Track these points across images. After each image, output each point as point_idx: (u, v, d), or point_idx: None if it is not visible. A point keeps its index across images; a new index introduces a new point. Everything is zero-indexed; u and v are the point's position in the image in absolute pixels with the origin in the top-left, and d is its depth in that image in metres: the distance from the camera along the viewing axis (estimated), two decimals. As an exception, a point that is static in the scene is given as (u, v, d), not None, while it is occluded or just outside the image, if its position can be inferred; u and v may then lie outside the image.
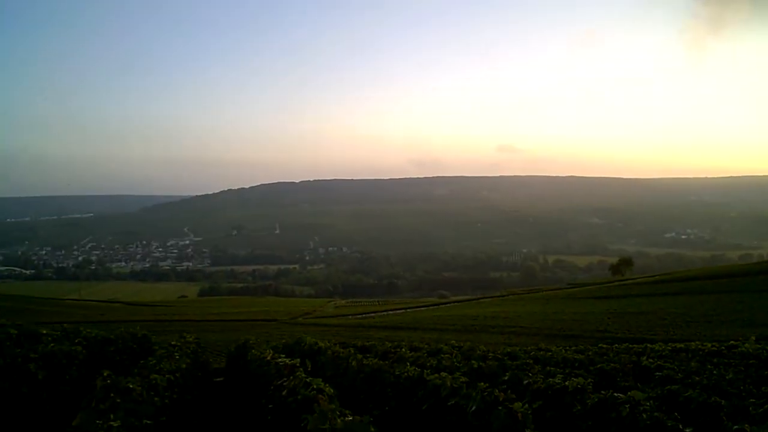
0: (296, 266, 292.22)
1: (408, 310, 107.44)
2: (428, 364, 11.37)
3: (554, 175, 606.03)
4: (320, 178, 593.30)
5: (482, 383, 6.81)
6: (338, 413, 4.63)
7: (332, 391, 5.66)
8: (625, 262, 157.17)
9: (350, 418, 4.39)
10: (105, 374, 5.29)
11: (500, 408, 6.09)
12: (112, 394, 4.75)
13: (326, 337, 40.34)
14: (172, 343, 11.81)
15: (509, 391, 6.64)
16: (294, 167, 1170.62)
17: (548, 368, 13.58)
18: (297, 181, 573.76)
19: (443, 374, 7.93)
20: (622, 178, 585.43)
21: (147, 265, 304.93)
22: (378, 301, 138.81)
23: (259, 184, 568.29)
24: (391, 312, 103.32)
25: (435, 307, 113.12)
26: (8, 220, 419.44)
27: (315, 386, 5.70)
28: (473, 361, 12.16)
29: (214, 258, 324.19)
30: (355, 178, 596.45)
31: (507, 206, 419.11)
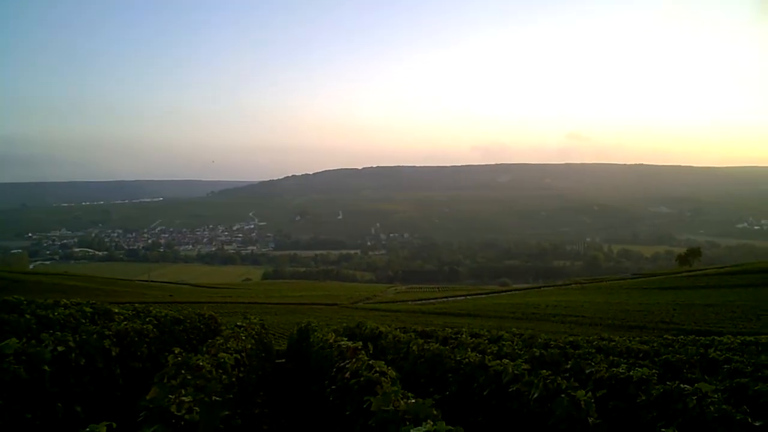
0: (358, 251, 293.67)
1: (468, 297, 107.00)
2: (489, 351, 11.33)
3: (622, 163, 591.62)
4: (383, 165, 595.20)
5: (545, 371, 6.75)
6: (401, 395, 4.68)
7: (394, 374, 5.71)
8: (694, 253, 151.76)
9: (413, 401, 4.43)
10: (176, 351, 5.49)
11: (563, 396, 6.03)
12: (183, 371, 4.93)
13: (386, 322, 40.65)
14: (238, 324, 12.10)
15: (572, 380, 6.56)
16: (358, 154, 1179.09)
17: (611, 358, 13.34)
18: (360, 168, 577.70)
19: (505, 361, 7.89)
20: (692, 167, 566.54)
21: (213, 249, 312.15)
22: (438, 288, 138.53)
23: (323, 170, 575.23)
24: (451, 299, 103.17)
25: (496, 294, 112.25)
26: (84, 203, 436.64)
27: (377, 369, 5.76)
28: (534, 349, 12.05)
29: (277, 242, 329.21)
30: (418, 165, 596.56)
31: (572, 194, 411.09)
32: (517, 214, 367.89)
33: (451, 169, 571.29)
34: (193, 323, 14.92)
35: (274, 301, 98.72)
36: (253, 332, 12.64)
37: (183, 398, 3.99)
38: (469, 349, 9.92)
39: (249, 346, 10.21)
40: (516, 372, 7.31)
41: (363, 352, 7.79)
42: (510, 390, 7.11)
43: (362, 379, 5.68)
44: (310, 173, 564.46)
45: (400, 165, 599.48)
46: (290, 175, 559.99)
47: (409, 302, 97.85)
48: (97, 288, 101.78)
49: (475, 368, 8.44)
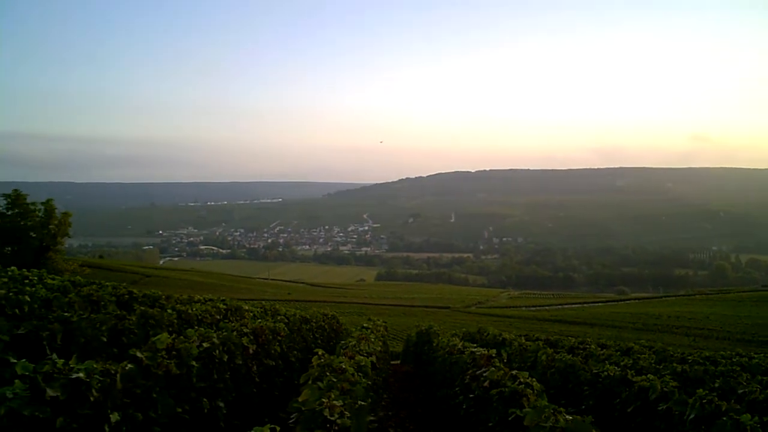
0: (470, 255, 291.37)
1: (584, 305, 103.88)
2: (622, 363, 10.74)
3: (751, 167, 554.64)
4: (497, 168, 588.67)
5: (701, 390, 6.24)
6: (552, 410, 4.41)
7: (539, 386, 5.44)
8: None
9: (570, 417, 4.16)
10: (319, 353, 5.47)
11: (724, 419, 5.53)
12: (327, 373, 4.89)
13: (500, 328, 40.02)
14: (365, 325, 12.13)
15: (732, 401, 6.02)
16: (471, 157, 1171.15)
17: (759, 377, 12.34)
18: (473, 171, 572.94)
19: (650, 376, 7.42)
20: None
21: (328, 249, 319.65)
22: (553, 294, 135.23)
23: (436, 173, 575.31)
24: (566, 306, 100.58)
25: (613, 303, 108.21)
26: (209, 203, 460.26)
27: (522, 379, 5.51)
28: (676, 365, 11.33)
29: (391, 244, 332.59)
30: (531, 168, 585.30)
31: (695, 199, 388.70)
32: (636, 220, 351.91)
33: (566, 172, 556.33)
34: (318, 322, 15.17)
35: (387, 302, 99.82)
36: (379, 334, 12.66)
37: (334, 402, 3.92)
38: (607, 363, 9.42)
39: (378, 348, 10.20)
40: (665, 389, 6.83)
41: (496, 359, 7.54)
42: (659, 409, 6.65)
43: (506, 389, 5.45)
44: (424, 176, 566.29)
45: (514, 168, 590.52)
46: (404, 177, 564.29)
47: (523, 308, 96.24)
48: (221, 284, 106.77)
49: (616, 382, 7.99)
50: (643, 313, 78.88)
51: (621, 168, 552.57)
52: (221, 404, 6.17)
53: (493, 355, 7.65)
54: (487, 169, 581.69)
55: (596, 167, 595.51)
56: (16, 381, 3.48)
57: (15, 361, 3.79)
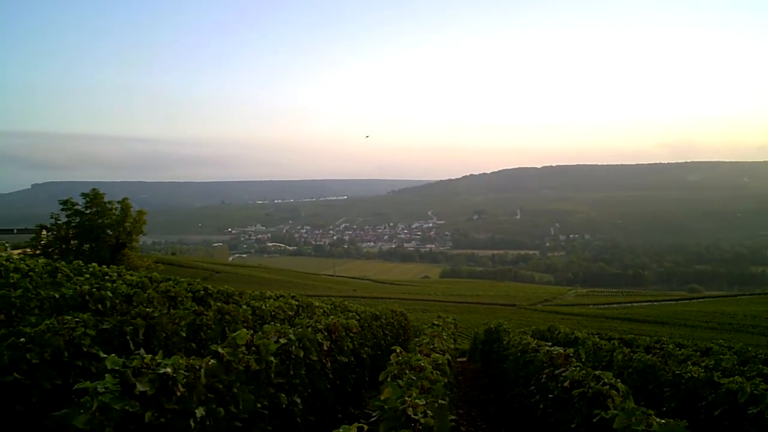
0: (536, 252, 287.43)
1: (654, 303, 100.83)
2: (703, 364, 10.32)
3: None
4: (563, 164, 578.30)
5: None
6: (642, 412, 4.24)
7: (624, 387, 5.24)
8: None
9: (663, 420, 3.98)
10: (398, 350, 5.42)
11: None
12: (407, 371, 4.83)
13: (568, 326, 39.21)
14: (435, 322, 12.05)
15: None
16: (536, 152, 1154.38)
17: None
18: (539, 167, 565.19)
19: (738, 378, 7.08)
20: None
21: (393, 246, 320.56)
22: (621, 292, 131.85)
23: (500, 169, 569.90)
24: (635, 304, 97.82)
25: (685, 301, 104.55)
26: (276, 201, 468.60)
27: (606, 380, 5.32)
28: (760, 366, 10.81)
29: (455, 241, 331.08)
30: (599, 164, 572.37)
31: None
32: (709, 216, 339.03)
33: (635, 167, 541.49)
34: (387, 319, 15.16)
35: (452, 299, 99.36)
36: (449, 331, 12.56)
37: (416, 401, 3.86)
38: (689, 363, 9.05)
39: (451, 346, 10.10)
40: (755, 392, 6.51)
41: (574, 359, 7.35)
42: (749, 412, 6.34)
43: (588, 390, 5.28)
44: (488, 172, 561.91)
45: (580, 163, 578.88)
46: (468, 174, 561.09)
47: (591, 306, 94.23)
48: (288, 281, 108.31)
49: (700, 384, 7.67)
50: (717, 312, 76.09)
51: (693, 162, 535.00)
52: (297, 400, 6.20)
53: (571, 354, 7.46)
54: (553, 164, 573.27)
55: (666, 162, 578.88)
56: (107, 375, 3.55)
57: (105, 355, 3.86)
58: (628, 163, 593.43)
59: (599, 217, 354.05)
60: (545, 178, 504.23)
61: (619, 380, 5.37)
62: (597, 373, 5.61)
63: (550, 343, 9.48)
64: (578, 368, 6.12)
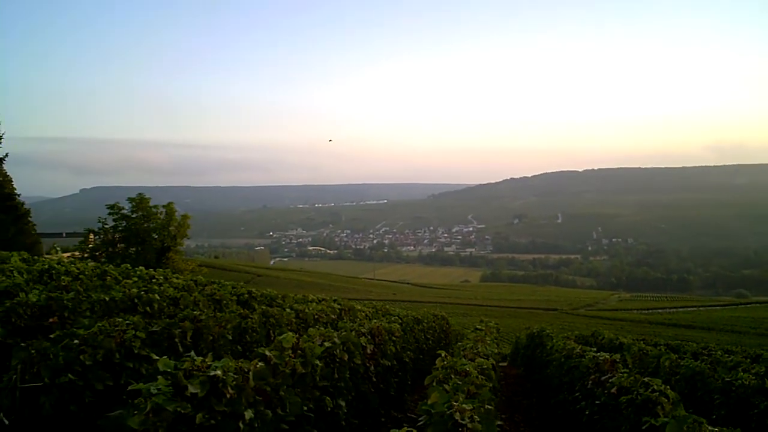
0: (578, 256, 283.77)
1: (700, 308, 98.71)
2: (753, 371, 10.06)
3: None
4: (605, 167, 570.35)
5: None
6: (694, 420, 4.15)
7: (673, 394, 5.14)
8: None
9: (716, 429, 3.90)
10: (443, 354, 5.42)
11: None
12: (452, 375, 4.82)
13: (611, 331, 38.59)
14: (478, 326, 11.99)
15: None
16: (578, 155, 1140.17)
17: None
18: (581, 170, 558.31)
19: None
20: None
21: (433, 250, 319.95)
22: (666, 297, 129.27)
23: (541, 172, 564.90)
24: (680, 309, 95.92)
25: (732, 307, 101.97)
26: (316, 205, 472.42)
27: (655, 387, 5.23)
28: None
29: (495, 245, 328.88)
30: (642, 167, 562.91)
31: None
32: (758, 219, 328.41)
33: (680, 170, 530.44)
34: (429, 323, 15.14)
35: (493, 303, 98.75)
36: (492, 336, 12.48)
37: (464, 406, 3.85)
38: (739, 370, 8.84)
39: (495, 350, 10.04)
40: (811, 402, 6.34)
41: (620, 364, 7.24)
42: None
43: (638, 397, 5.20)
44: (528, 175, 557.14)
45: (623, 166, 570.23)
46: (508, 177, 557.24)
47: (634, 311, 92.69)
48: (328, 284, 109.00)
49: (752, 392, 7.48)
50: (765, 318, 74.13)
51: (740, 165, 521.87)
52: (342, 403, 6.23)
53: (617, 359, 7.34)
54: (595, 168, 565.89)
55: (712, 164, 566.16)
56: (159, 377, 3.61)
57: (156, 357, 3.94)
58: (673, 166, 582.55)
59: (643, 221, 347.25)
60: (587, 182, 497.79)
61: (668, 387, 5.27)
62: (646, 379, 5.51)
63: (594, 349, 9.35)
64: (625, 374, 6.03)
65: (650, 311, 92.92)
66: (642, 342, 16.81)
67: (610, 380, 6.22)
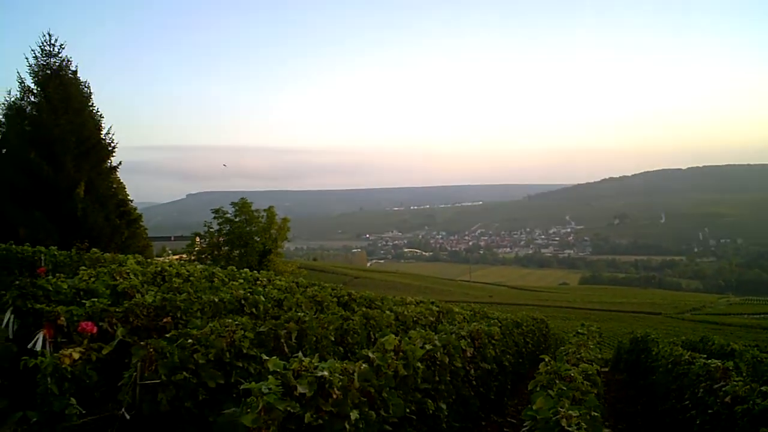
0: (683, 258, 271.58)
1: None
2: None
3: None
4: (711, 164, 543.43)
5: None
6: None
7: (796, 406, 4.86)
8: None
9: None
10: (546, 359, 5.35)
11: None
12: (557, 381, 4.75)
13: (721, 337, 36.69)
14: (580, 331, 11.72)
15: None
16: (681, 152, 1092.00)
17: None
18: (684, 168, 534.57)
19: None
20: None
21: (530, 252, 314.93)
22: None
23: (641, 171, 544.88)
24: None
25: None
26: (412, 207, 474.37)
27: (774, 398, 4.97)
28: None
29: (595, 246, 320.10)
30: (751, 163, 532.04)
31: None
32: None
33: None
34: (528, 327, 14.92)
35: (593, 306, 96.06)
36: (595, 341, 12.17)
37: (570, 412, 3.78)
38: None
39: (598, 355, 9.78)
40: None
41: (734, 372, 6.91)
42: None
43: (755, 407, 4.95)
44: (629, 175, 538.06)
45: (731, 163, 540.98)
46: (607, 177, 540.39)
47: (745, 316, 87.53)
48: (424, 286, 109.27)
49: None
50: None
51: None
52: (443, 406, 6.24)
53: (730, 367, 7.01)
54: (700, 165, 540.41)
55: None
56: (270, 377, 3.74)
57: (266, 357, 4.08)
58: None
59: (754, 221, 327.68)
60: (692, 180, 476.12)
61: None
62: (763, 389, 5.23)
63: (704, 355, 8.94)
64: (740, 383, 5.74)
65: (763, 316, 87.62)
66: (756, 349, 15.91)
67: (723, 389, 5.95)
